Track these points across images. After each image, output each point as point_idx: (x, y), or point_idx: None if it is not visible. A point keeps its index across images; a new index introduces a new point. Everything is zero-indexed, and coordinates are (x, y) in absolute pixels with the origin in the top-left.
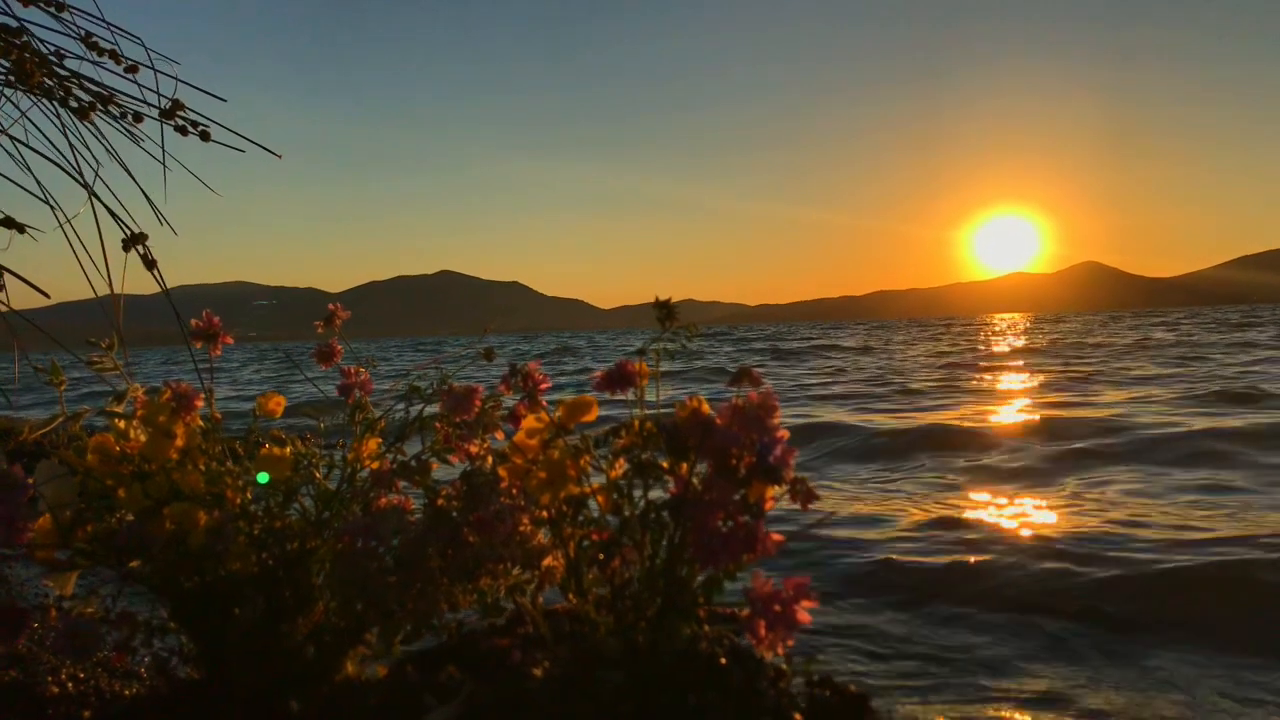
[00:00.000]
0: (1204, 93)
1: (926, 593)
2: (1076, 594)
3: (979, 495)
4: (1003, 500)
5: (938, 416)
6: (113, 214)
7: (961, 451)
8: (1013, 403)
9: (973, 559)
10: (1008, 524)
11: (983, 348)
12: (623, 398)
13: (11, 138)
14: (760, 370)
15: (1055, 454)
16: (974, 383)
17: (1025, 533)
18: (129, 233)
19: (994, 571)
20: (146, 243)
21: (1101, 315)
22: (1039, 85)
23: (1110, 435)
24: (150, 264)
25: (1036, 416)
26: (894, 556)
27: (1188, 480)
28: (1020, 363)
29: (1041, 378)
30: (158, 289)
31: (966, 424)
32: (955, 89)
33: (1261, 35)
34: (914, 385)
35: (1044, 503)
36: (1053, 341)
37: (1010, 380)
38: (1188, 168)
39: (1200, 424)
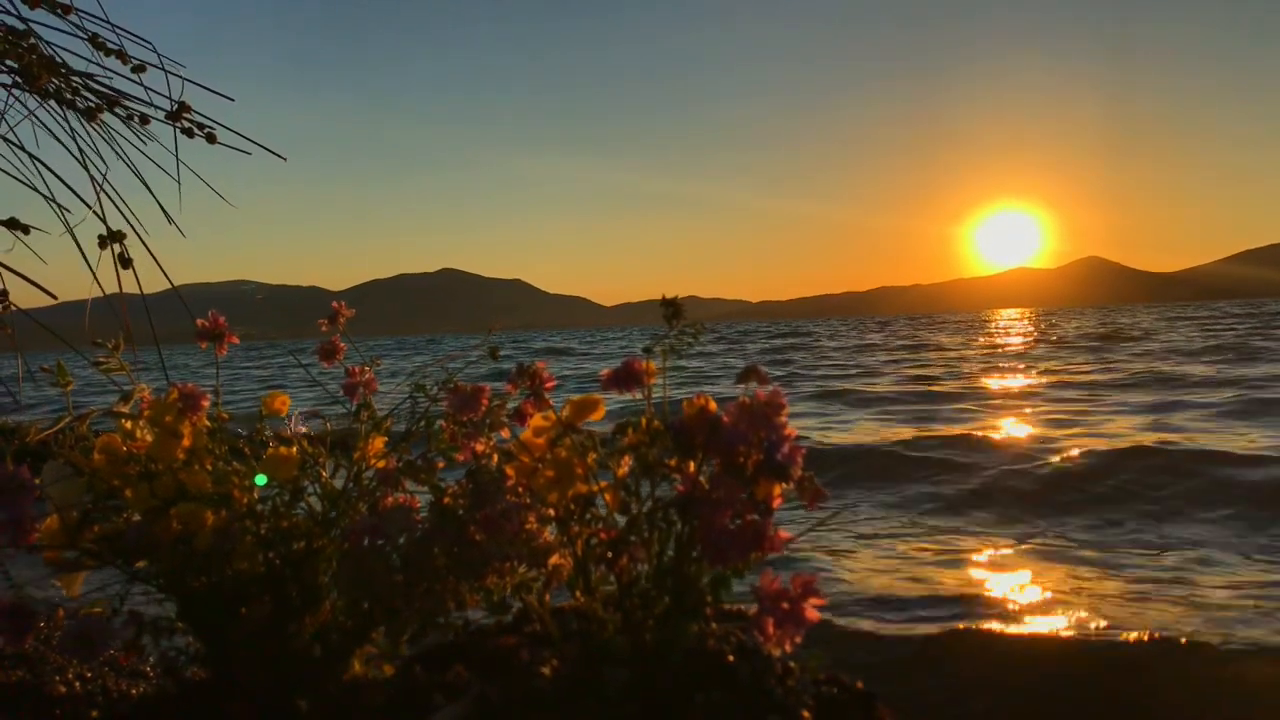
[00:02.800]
0: (1206, 87)
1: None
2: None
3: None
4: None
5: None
6: (113, 217)
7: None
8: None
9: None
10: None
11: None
12: (630, 396)
13: (21, 145)
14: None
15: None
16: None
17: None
18: (108, 230)
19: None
20: (141, 245)
21: (1110, 310)
22: (1041, 80)
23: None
24: (126, 263)
25: (1035, 434)
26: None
27: None
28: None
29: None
30: (162, 288)
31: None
32: (957, 85)
33: (1264, 30)
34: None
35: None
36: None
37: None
38: (1190, 162)
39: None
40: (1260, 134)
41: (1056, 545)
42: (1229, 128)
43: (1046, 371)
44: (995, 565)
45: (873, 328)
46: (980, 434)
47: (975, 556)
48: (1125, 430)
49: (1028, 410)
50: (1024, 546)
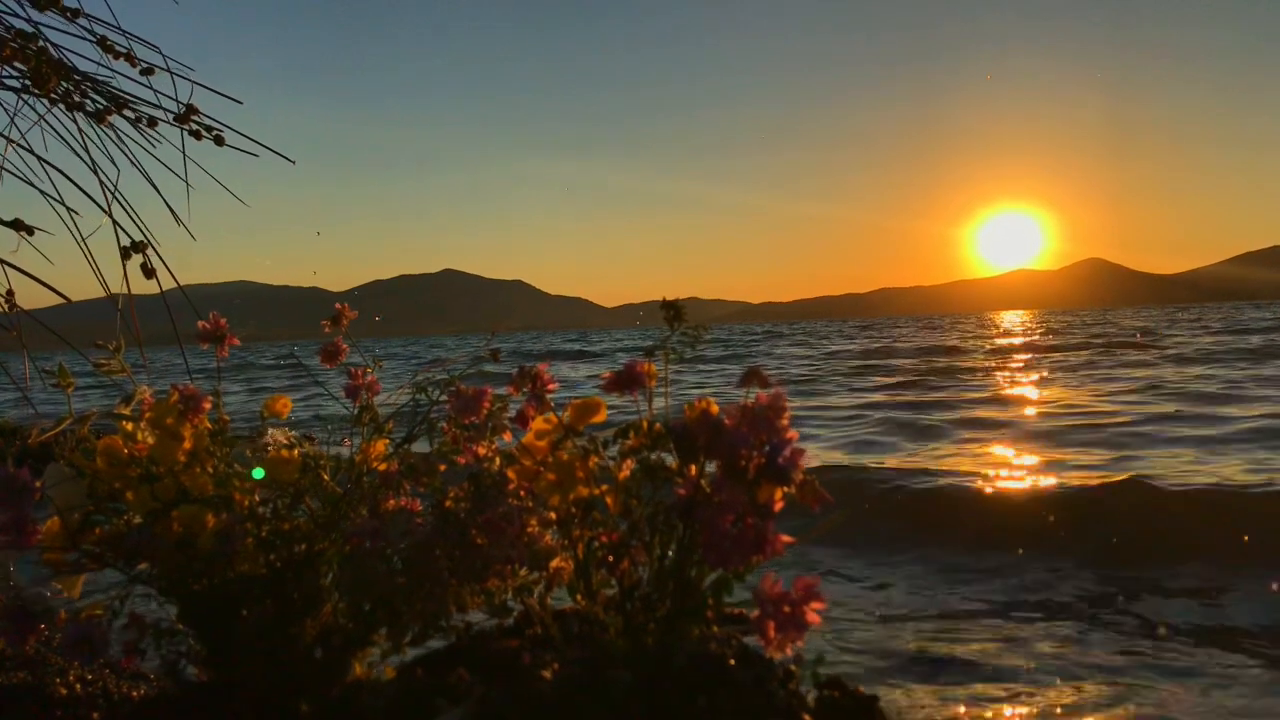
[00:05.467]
0: (1206, 89)
1: None
2: None
3: None
4: None
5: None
6: (123, 221)
7: None
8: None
9: None
10: None
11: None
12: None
13: (32, 150)
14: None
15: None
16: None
17: None
18: (130, 240)
19: None
20: (148, 250)
21: (1120, 311)
22: (1042, 82)
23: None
24: (149, 273)
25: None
26: None
27: None
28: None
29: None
30: (163, 288)
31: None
32: (959, 86)
33: (1265, 31)
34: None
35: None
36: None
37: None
38: (1191, 164)
39: None
40: (1261, 135)
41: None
42: (1230, 129)
43: (1076, 381)
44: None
45: (852, 330)
46: (982, 461)
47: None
48: (1182, 464)
49: (1046, 431)
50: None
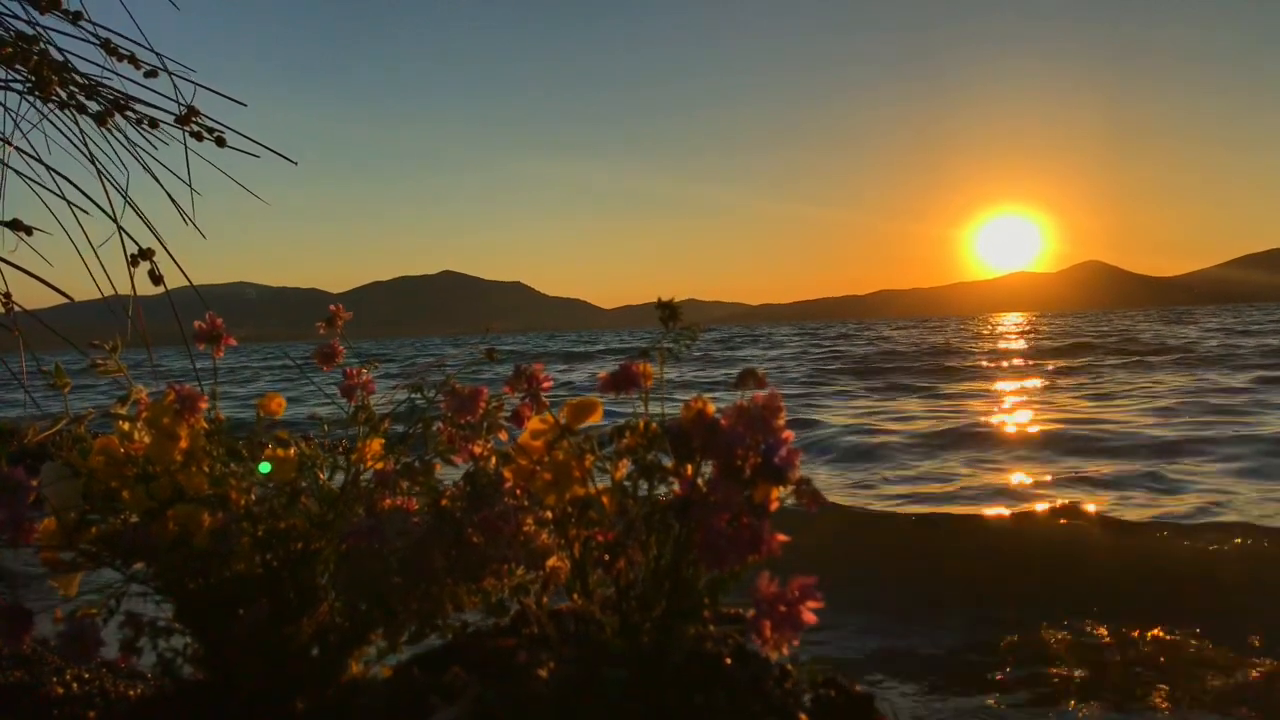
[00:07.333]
0: (1205, 92)
1: None
2: None
3: None
4: None
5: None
6: (132, 224)
7: None
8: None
9: None
10: None
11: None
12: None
13: (40, 159)
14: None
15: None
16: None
17: None
18: (138, 247)
19: None
20: (155, 253)
21: (1120, 314)
22: (1041, 84)
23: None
24: (157, 279)
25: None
26: None
27: None
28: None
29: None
30: (160, 290)
31: None
32: (958, 88)
33: (1265, 32)
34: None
35: None
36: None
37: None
38: (1189, 166)
39: None
40: (1261, 137)
41: None
42: (1230, 131)
43: (1080, 386)
44: None
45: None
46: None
47: None
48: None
49: (1048, 442)
50: None
